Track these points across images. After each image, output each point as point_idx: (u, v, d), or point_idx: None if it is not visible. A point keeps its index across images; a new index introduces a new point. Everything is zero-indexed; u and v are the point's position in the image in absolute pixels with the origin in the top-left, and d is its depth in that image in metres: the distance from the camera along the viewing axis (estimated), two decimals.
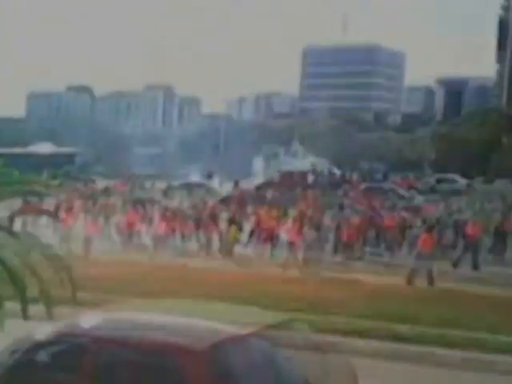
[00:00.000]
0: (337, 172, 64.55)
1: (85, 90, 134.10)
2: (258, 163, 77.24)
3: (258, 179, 55.96)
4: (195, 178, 56.94)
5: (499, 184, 57.46)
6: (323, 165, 70.26)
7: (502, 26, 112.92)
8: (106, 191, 38.97)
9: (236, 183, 45.33)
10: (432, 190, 45.08)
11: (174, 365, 5.90)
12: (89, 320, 6.97)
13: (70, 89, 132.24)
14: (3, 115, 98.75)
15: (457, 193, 41.10)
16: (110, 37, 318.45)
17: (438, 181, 51.56)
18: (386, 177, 59.89)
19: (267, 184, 47.77)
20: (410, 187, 46.83)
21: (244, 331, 6.41)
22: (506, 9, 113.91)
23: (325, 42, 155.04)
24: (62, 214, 25.21)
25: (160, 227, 24.59)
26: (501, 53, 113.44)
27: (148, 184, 48.40)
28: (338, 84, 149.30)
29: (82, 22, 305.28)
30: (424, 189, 47.09)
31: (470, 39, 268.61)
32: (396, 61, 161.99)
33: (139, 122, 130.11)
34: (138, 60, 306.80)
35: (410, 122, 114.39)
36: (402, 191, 42.73)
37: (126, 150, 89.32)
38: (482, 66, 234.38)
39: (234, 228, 24.11)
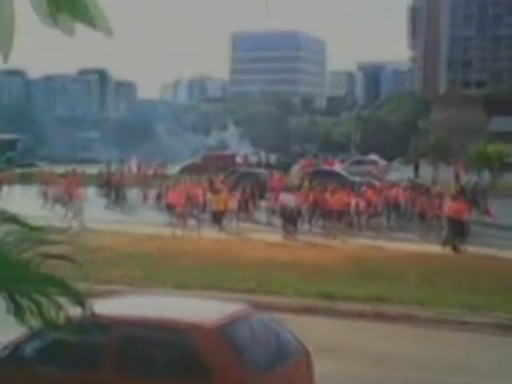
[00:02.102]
0: (262, 157, 65.34)
1: (17, 73, 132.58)
2: None
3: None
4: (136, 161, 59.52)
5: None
6: (247, 148, 71.38)
7: (413, 14, 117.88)
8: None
9: (139, 167, 44.41)
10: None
11: (187, 341, 6.57)
12: (107, 303, 7.49)
13: (1, 73, 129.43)
14: None
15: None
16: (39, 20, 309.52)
17: (359, 162, 52.02)
18: (316, 158, 62.71)
19: (191, 166, 46.92)
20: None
21: (248, 309, 7.46)
22: None
23: (251, 28, 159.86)
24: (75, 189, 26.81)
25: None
26: (414, 40, 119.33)
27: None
28: (266, 69, 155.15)
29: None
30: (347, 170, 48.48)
31: (385, 27, 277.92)
32: (317, 47, 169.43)
33: (76, 106, 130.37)
34: (70, 44, 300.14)
35: (335, 106, 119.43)
36: (345, 174, 43.61)
37: (65, 134, 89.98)
38: (397, 52, 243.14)
39: (224, 196, 24.71)
